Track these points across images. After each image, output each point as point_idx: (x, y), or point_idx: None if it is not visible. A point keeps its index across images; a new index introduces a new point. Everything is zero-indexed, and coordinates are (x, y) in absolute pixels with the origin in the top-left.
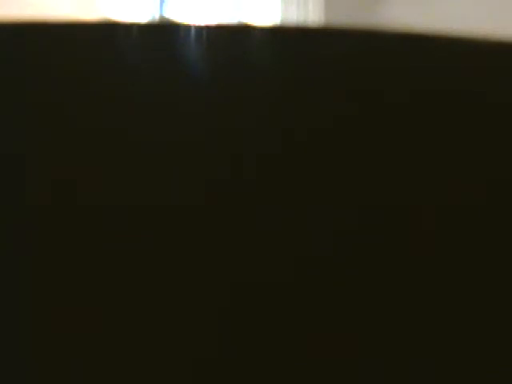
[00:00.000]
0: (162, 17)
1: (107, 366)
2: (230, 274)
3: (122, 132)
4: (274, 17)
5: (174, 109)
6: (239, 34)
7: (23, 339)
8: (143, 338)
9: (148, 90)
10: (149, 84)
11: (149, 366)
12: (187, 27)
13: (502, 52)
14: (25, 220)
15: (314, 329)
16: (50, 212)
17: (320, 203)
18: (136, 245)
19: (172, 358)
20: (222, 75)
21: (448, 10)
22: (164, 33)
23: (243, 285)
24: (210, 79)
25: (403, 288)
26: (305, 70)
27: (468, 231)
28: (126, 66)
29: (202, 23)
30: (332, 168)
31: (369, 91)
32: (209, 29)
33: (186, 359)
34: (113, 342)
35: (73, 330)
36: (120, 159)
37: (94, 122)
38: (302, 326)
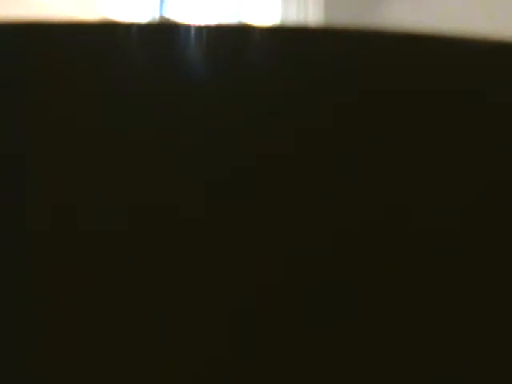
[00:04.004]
0: (162, 17)
1: (109, 373)
2: (230, 273)
3: (121, 132)
4: (273, 17)
5: (174, 109)
6: (239, 33)
7: (22, 355)
8: (146, 342)
9: (148, 89)
10: (149, 84)
11: (148, 367)
12: (187, 27)
13: (502, 52)
14: (24, 218)
15: (315, 329)
16: (50, 211)
17: (320, 203)
18: (136, 244)
19: (172, 358)
20: (221, 75)
21: (448, 9)
22: (164, 33)
23: (243, 285)
24: (210, 79)
25: (405, 288)
26: (305, 69)
27: (467, 231)
28: (126, 66)
29: (202, 23)
30: (332, 167)
31: (369, 91)
32: (209, 29)
33: (186, 360)
34: (115, 349)
35: (74, 345)
36: (120, 159)
37: (93, 121)
38: (301, 327)
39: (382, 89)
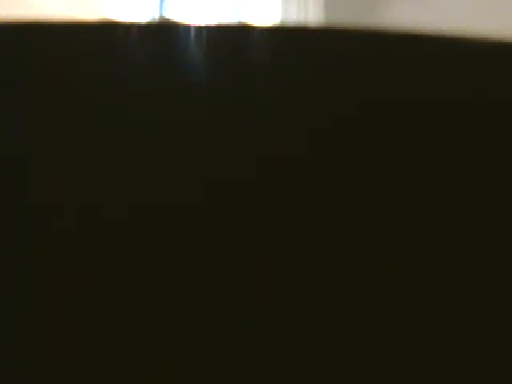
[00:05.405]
0: (161, 17)
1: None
2: (230, 273)
3: (121, 132)
4: (273, 17)
5: (174, 109)
6: (239, 33)
7: (22, 354)
8: (146, 342)
9: (148, 89)
10: (149, 84)
11: (149, 367)
12: (187, 27)
13: (502, 52)
14: (24, 219)
15: (315, 329)
16: (49, 211)
17: (320, 203)
18: (136, 244)
19: (172, 358)
20: (222, 75)
21: (448, 10)
22: (164, 33)
23: (243, 285)
24: (210, 79)
25: (405, 289)
26: (305, 70)
27: (468, 231)
28: (126, 66)
29: (202, 23)
30: (332, 167)
31: (369, 91)
32: (209, 29)
33: (186, 360)
34: (115, 349)
35: (74, 345)
36: (120, 159)
37: (93, 121)
38: (301, 327)
39: (382, 89)
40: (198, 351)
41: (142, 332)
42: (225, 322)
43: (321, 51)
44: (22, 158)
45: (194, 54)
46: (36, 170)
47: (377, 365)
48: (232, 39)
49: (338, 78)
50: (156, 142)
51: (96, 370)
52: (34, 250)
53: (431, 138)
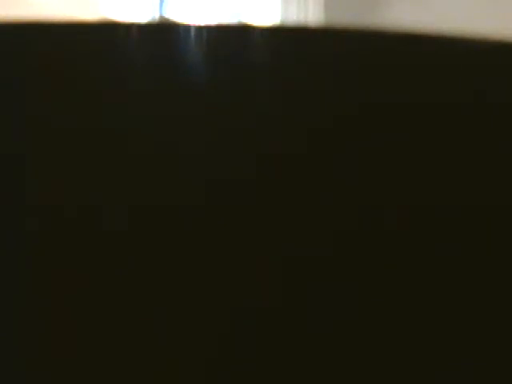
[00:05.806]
0: (161, 17)
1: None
2: (230, 273)
3: (121, 132)
4: (273, 17)
5: (174, 109)
6: (239, 33)
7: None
8: (146, 342)
9: (148, 90)
10: (149, 84)
11: (149, 367)
12: (187, 27)
13: (502, 52)
14: (24, 219)
15: (315, 329)
16: (49, 211)
17: (320, 203)
18: (136, 244)
19: (172, 358)
20: (222, 75)
21: (448, 9)
22: (164, 33)
23: (243, 285)
24: (210, 79)
25: (405, 289)
26: (305, 69)
27: (467, 231)
28: (126, 66)
29: (202, 23)
30: (332, 167)
31: (369, 91)
32: (209, 29)
33: (186, 360)
34: (115, 349)
35: (74, 345)
36: (120, 159)
37: (93, 121)
38: (301, 327)
39: (382, 89)
40: (198, 351)
41: (142, 332)
42: (225, 322)
43: (321, 51)
44: (22, 158)
45: (194, 53)
46: (36, 170)
47: (377, 365)
48: (232, 39)
49: (338, 78)
50: (156, 141)
51: (96, 370)
52: (34, 250)
53: (431, 138)
